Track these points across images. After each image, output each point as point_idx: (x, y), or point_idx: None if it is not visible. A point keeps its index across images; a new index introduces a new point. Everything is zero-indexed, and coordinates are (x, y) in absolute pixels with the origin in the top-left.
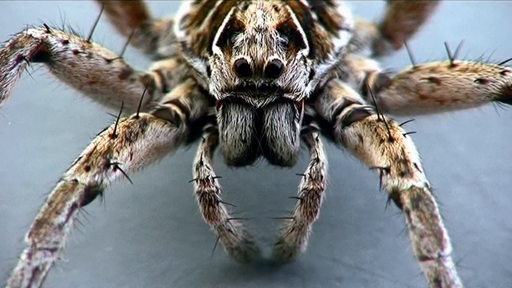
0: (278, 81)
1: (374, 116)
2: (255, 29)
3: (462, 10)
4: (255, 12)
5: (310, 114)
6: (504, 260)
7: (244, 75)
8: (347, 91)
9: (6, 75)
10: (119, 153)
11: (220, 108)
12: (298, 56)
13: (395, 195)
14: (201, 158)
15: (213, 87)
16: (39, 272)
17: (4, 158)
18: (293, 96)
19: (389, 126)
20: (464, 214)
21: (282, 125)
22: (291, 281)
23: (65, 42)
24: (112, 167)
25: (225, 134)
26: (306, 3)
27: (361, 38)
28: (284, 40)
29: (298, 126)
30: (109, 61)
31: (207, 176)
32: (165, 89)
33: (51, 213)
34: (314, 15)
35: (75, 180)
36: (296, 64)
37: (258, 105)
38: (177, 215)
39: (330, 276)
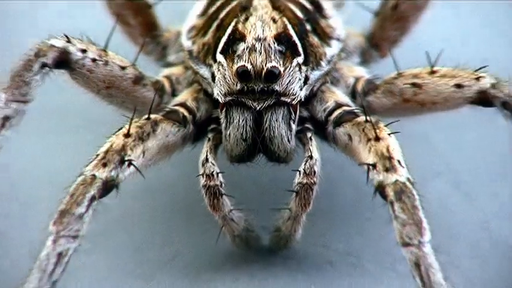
0: (276, 86)
1: (362, 118)
2: (255, 39)
3: (442, 21)
4: (254, 24)
5: (304, 115)
6: (476, 246)
7: (245, 80)
8: (338, 95)
9: (31, 81)
10: (132, 151)
11: (223, 110)
12: (294, 63)
13: (380, 189)
14: (207, 155)
15: (217, 91)
16: (63, 257)
17: (30, 155)
18: (289, 100)
19: (375, 127)
20: (442, 206)
21: (279, 126)
22: (288, 265)
23: (84, 51)
24: (126, 163)
25: (228, 133)
26: (300, 15)
27: (350, 47)
28: (281, 49)
29: (293, 126)
30: (123, 68)
31: (212, 172)
32: (174, 93)
33: (72, 204)
34: (308, 26)
35: (94, 175)
36: (292, 70)
37: (258, 108)
38: (184, 207)
39: (322, 260)
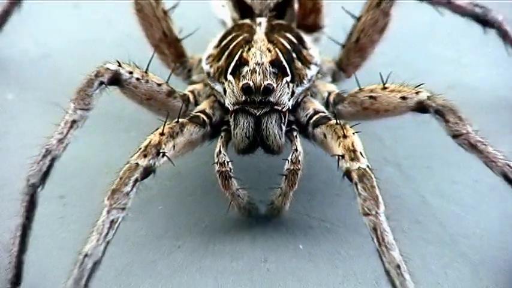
0: (270, 98)
1: (333, 121)
2: (255, 64)
3: (391, 49)
4: (255, 53)
5: (291, 119)
6: (416, 215)
7: (248, 94)
8: (316, 104)
9: (92, 94)
10: (165, 145)
11: (232, 116)
12: (284, 82)
13: (347, 173)
14: (220, 149)
15: (228, 102)
16: (114, 223)
17: (92, 149)
18: (280, 108)
19: (343, 128)
20: (391, 184)
21: (273, 127)
22: (280, 229)
23: (130, 72)
24: (161, 154)
25: (236, 132)
26: (288, 46)
27: (324, 70)
28: (274, 71)
29: (283, 127)
30: (159, 85)
31: (224, 160)
32: (196, 103)
33: (121, 185)
34: (294, 55)
35: (137, 163)
36: (282, 87)
37: (257, 114)
38: (204, 186)
39: (305, 225)
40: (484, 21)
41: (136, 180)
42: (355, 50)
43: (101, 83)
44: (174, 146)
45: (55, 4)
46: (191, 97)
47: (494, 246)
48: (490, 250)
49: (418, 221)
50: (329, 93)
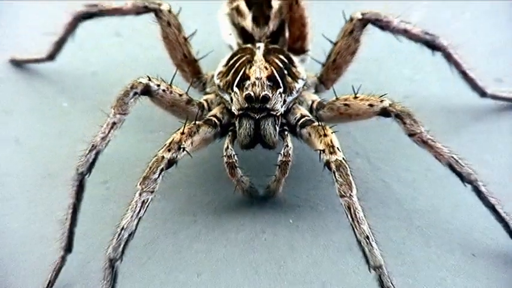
0: (267, 105)
1: (316, 123)
2: (255, 78)
3: (359, 68)
4: (255, 70)
5: (283, 122)
6: (380, 195)
7: (250, 102)
8: (302, 110)
9: (128, 102)
10: (185, 142)
11: (237, 119)
12: (277, 92)
13: (327, 164)
14: (227, 145)
15: (234, 108)
16: (145, 203)
17: (127, 145)
18: (275, 113)
19: (324, 128)
20: (361, 173)
21: (269, 128)
22: (273, 207)
23: (158, 85)
24: (182, 149)
25: (240, 132)
26: (281, 65)
27: (309, 83)
28: (270, 84)
29: (277, 128)
30: (180, 95)
31: (230, 154)
32: (209, 109)
33: (150, 173)
34: (285, 71)
35: (163, 156)
36: (276, 96)
37: (257, 117)
38: (215, 174)
39: (294, 204)
40: (433, 45)
41: (162, 170)
42: (333, 68)
43: (135, 93)
44: (191, 143)
45: (102, 33)
46: (205, 104)
47: (443, 221)
48: (439, 224)
49: (382, 202)
50: (312, 102)
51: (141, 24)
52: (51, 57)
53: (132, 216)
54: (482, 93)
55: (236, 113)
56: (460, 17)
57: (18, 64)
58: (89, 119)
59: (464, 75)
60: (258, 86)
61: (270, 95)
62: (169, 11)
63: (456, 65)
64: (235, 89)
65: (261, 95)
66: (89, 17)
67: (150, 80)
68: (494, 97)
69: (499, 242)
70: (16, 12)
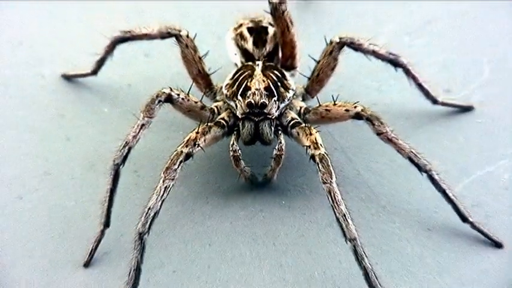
0: (265, 110)
1: (303, 125)
2: (255, 89)
3: (337, 81)
4: (255, 82)
5: (277, 123)
6: (354, 182)
7: (251, 108)
8: (292, 114)
9: (154, 108)
10: (199, 139)
11: (240, 121)
12: (273, 100)
13: (312, 157)
14: (233, 141)
15: (238, 113)
16: (167, 188)
17: (154, 142)
18: (271, 116)
19: (309, 129)
20: (338, 164)
21: (266, 128)
22: (269, 191)
23: (178, 94)
24: (197, 145)
25: (243, 132)
26: (275, 79)
27: (297, 93)
28: (267, 93)
29: (272, 129)
30: (196, 102)
31: (235, 149)
32: (219, 113)
33: (171, 164)
34: (279, 83)
35: (181, 151)
36: (272, 103)
37: (256, 120)
38: (223, 165)
39: (285, 188)
40: (395, 63)
41: (181, 161)
42: (316, 81)
43: (159, 101)
44: (204, 140)
45: (135, 53)
46: (215, 110)
47: (403, 202)
48: (401, 204)
49: (355, 187)
50: (300, 108)
51: (165, 46)
52: (94, 72)
53: (157, 199)
54: (434, 101)
55: (240, 116)
56: (417, 41)
57: (68, 78)
58: (124, 121)
59: (419, 86)
60: (257, 95)
61: (267, 102)
62: (187, 36)
63: (413, 78)
64: (239, 97)
65: (260, 102)
66: (123, 41)
67: (171, 90)
68: (444, 104)
69: (449, 219)
70: (66, 36)
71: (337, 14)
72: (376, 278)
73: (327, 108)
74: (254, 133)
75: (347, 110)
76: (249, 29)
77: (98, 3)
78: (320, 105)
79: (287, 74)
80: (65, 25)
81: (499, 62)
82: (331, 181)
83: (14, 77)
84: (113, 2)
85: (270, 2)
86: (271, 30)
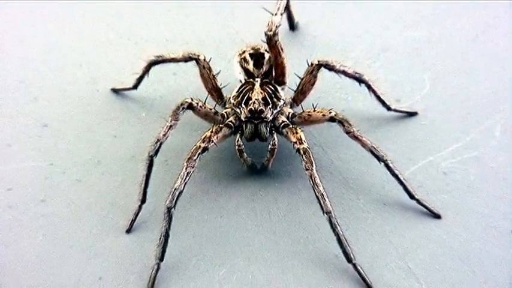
0: (262, 115)
1: (291, 126)
2: (255, 99)
3: (316, 93)
4: (255, 94)
5: (272, 125)
6: (329, 168)
7: (251, 113)
8: (283, 118)
9: (179, 113)
10: (213, 137)
11: (244, 123)
12: (268, 107)
13: (297, 150)
14: (238, 138)
15: (242, 117)
16: (189, 174)
17: (179, 139)
18: (267, 120)
19: (296, 129)
20: (317, 155)
21: (263, 129)
22: (266, 175)
23: (197, 103)
24: (211, 141)
25: (246, 131)
26: (270, 91)
27: (286, 102)
28: (264, 102)
29: (268, 129)
30: (210, 109)
31: (240, 144)
32: (227, 118)
33: (192, 155)
34: (273, 95)
35: (200, 145)
36: (267, 110)
37: (256, 123)
38: (231, 156)
39: (278, 174)
40: (360, 80)
41: (199, 154)
42: (300, 93)
43: (183, 108)
44: (217, 137)
45: (166, 72)
46: (225, 115)
47: (366, 184)
48: (364, 186)
49: (329, 172)
50: (289, 113)
51: (187, 67)
52: (135, 87)
53: (181, 182)
54: (388, 108)
55: (243, 120)
56: (375, 63)
57: (116, 91)
58: (157, 123)
59: (377, 97)
60: (257, 104)
61: (264, 109)
62: (204, 60)
63: (373, 91)
64: (243, 105)
65: (258, 109)
66: (156, 63)
67: (192, 100)
68: (395, 110)
69: (400, 197)
70: (114, 59)
71: (316, 42)
72: (346, 241)
73: (309, 113)
74: (254, 132)
75: (324, 115)
76: (251, 55)
77: (136, 37)
78: (303, 111)
79: (279, 88)
80: (113, 51)
81: (436, 79)
82: (312, 168)
83: (76, 91)
84: (146, 34)
85: (266, 35)
86: (267, 56)
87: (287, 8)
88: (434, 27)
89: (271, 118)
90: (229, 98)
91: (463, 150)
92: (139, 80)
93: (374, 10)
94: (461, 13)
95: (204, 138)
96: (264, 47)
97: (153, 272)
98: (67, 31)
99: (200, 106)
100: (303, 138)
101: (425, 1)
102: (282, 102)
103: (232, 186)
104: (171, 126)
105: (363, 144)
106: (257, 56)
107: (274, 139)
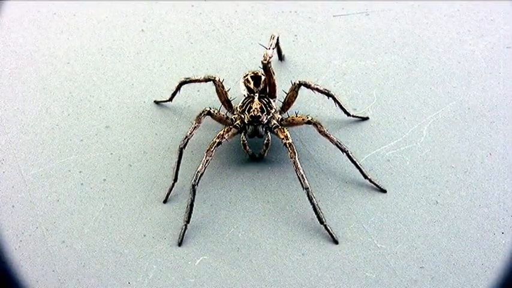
0: (259, 120)
1: (280, 127)
2: (254, 108)
3: (298, 104)
4: (255, 104)
5: (267, 126)
6: (308, 159)
7: (252, 118)
8: (274, 121)
9: (201, 118)
10: (225, 135)
11: (247, 125)
12: (264, 114)
13: (285, 144)
14: (242, 135)
15: (245, 120)
16: (207, 162)
17: (201, 136)
18: (263, 123)
19: (283, 129)
20: (298, 148)
21: (261, 129)
22: (263, 162)
23: (214, 111)
24: (223, 138)
25: (248, 130)
26: (265, 103)
27: (277, 110)
28: (261, 110)
29: (264, 129)
30: (223, 115)
31: (244, 139)
32: (235, 121)
33: (210, 148)
34: (268, 106)
35: (216, 141)
36: (263, 116)
37: (255, 124)
38: (237, 149)
39: (271, 161)
40: (327, 94)
41: (215, 146)
42: (286, 104)
43: (204, 114)
44: (228, 135)
45: (191, 90)
46: (234, 119)
47: (333, 167)
48: (332, 169)
49: (306, 159)
50: (278, 118)
51: (207, 86)
52: (170, 100)
53: (202, 166)
54: (348, 115)
55: (246, 122)
56: (338, 83)
57: (157, 103)
58: (186, 125)
59: (340, 107)
60: (256, 111)
61: (261, 115)
62: (219, 80)
63: (337, 102)
64: (246, 112)
65: (257, 115)
66: (185, 83)
67: (210, 108)
68: (353, 116)
69: (357, 177)
70: (156, 80)
71: (297, 68)
72: (319, 208)
73: (292, 118)
74: (254, 131)
75: (303, 119)
76: (251, 77)
77: (171, 65)
78: (289, 116)
79: (271, 100)
80: (155, 75)
81: (381, 94)
82: (295, 157)
83: (131, 103)
84: (179, 63)
85: (262, 63)
86: (263, 78)
87: (277, 44)
88: (377, 58)
89: (266, 121)
90: (237, 107)
91: (401, 144)
92: (173, 94)
93: (335, 48)
94: (393, 50)
95: (219, 135)
96: (261, 72)
97: (182, 231)
98: (126, 62)
99: (216, 113)
100: (289, 136)
101: (371, 40)
102: (273, 110)
103: (238, 170)
104: (195, 127)
105: (331, 140)
106: (256, 78)
107: (268, 136)
